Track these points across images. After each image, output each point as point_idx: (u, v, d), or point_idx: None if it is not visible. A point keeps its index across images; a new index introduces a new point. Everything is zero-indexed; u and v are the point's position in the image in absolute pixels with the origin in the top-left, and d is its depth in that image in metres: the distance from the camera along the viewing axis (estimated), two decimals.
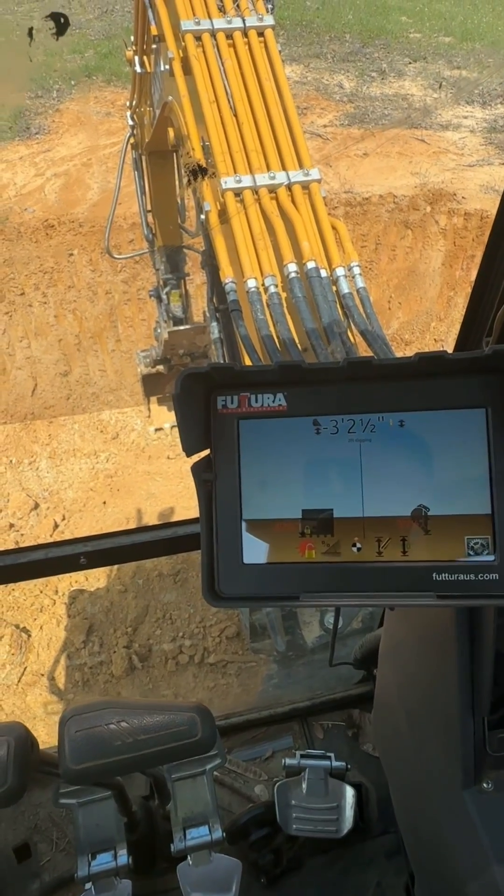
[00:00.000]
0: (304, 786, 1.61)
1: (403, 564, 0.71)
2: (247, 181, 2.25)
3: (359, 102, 9.09)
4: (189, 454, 0.73)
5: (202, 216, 2.34)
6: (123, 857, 1.40)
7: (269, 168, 2.30)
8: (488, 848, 0.90)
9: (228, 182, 2.24)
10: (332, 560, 0.73)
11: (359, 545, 0.72)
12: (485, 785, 0.93)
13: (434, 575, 0.70)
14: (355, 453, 0.73)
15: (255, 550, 0.74)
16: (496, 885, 0.88)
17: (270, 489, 0.74)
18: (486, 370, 0.70)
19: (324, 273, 2.16)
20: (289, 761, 1.62)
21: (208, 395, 0.75)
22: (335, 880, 1.75)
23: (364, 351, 2.06)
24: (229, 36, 2.41)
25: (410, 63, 10.08)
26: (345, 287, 2.18)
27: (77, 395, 7.20)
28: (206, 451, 0.75)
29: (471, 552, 0.71)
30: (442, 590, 0.70)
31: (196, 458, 0.75)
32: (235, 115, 2.34)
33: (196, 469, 0.74)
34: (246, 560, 0.74)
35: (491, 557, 0.70)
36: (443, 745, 0.97)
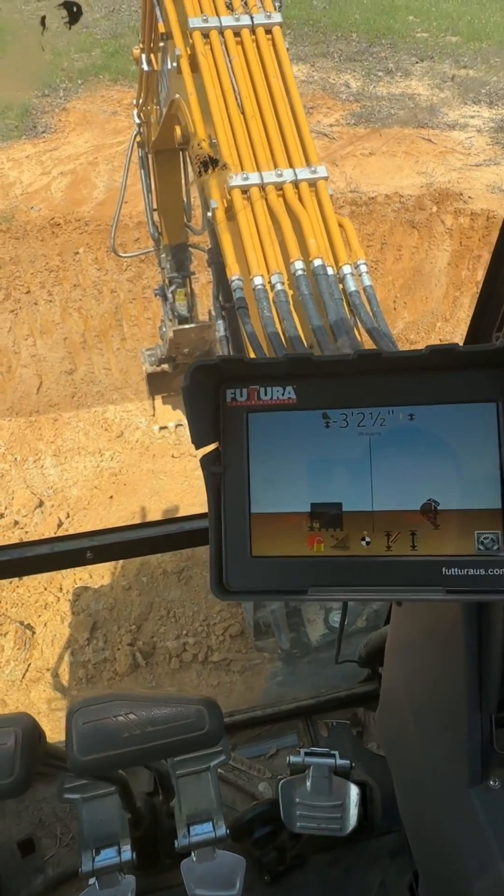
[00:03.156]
0: (308, 784, 1.60)
1: (413, 559, 0.71)
2: (254, 178, 2.24)
3: (365, 102, 9.08)
4: (198, 447, 0.73)
5: (209, 213, 2.34)
6: (127, 852, 1.40)
7: (276, 165, 2.29)
8: (495, 846, 0.89)
9: (236, 179, 2.23)
10: (341, 554, 0.72)
11: (368, 539, 0.72)
12: (492, 783, 0.92)
13: (444, 569, 0.70)
14: (365, 447, 0.73)
15: (264, 544, 0.74)
16: (502, 884, 0.88)
17: (279, 482, 0.74)
18: (498, 364, 0.69)
19: (330, 271, 2.15)
20: (293, 759, 1.62)
21: (217, 388, 0.75)
22: (339, 878, 1.75)
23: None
24: (237, 33, 2.41)
25: (417, 62, 10.06)
26: (351, 285, 2.18)
27: (82, 394, 7.21)
28: (216, 444, 0.75)
29: (481, 547, 0.70)
30: (451, 584, 0.69)
31: (205, 450, 0.74)
32: (243, 113, 2.34)
33: (205, 462, 0.74)
34: (254, 553, 0.74)
35: (501, 552, 0.70)
36: (449, 743, 0.97)
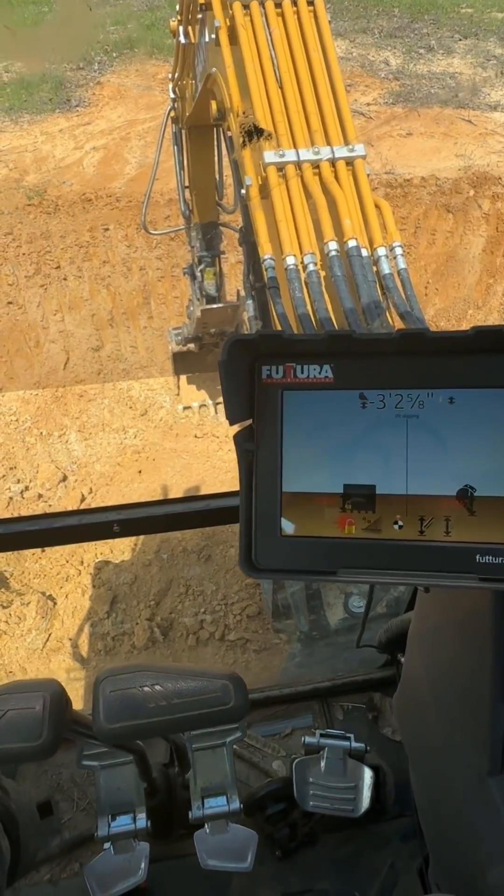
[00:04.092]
0: (322, 764, 1.62)
1: (446, 544, 0.70)
2: (290, 155, 2.20)
3: (405, 80, 8.84)
4: (232, 423, 0.73)
5: (242, 191, 2.31)
6: (142, 820, 1.43)
7: (313, 142, 2.25)
8: None
9: (271, 156, 2.19)
10: (373, 537, 0.71)
11: (400, 523, 0.71)
12: None
13: (477, 557, 0.69)
14: (401, 429, 0.71)
15: (294, 523, 0.73)
16: None
17: (312, 462, 0.73)
18: None
19: (365, 252, 2.11)
20: (308, 739, 1.64)
21: (253, 364, 0.74)
22: (349, 858, 1.77)
23: None
24: (278, 5, 2.35)
25: (461, 39, 9.74)
26: (385, 268, 2.14)
27: (108, 371, 7.25)
28: (249, 421, 0.74)
29: None
30: (485, 572, 0.68)
31: (239, 427, 0.74)
32: (281, 88, 2.29)
33: (238, 439, 0.73)
34: (284, 532, 0.73)
35: None
36: (471, 731, 0.96)
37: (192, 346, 5.86)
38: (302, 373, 0.73)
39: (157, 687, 0.94)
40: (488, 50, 9.58)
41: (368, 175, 2.27)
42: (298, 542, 0.73)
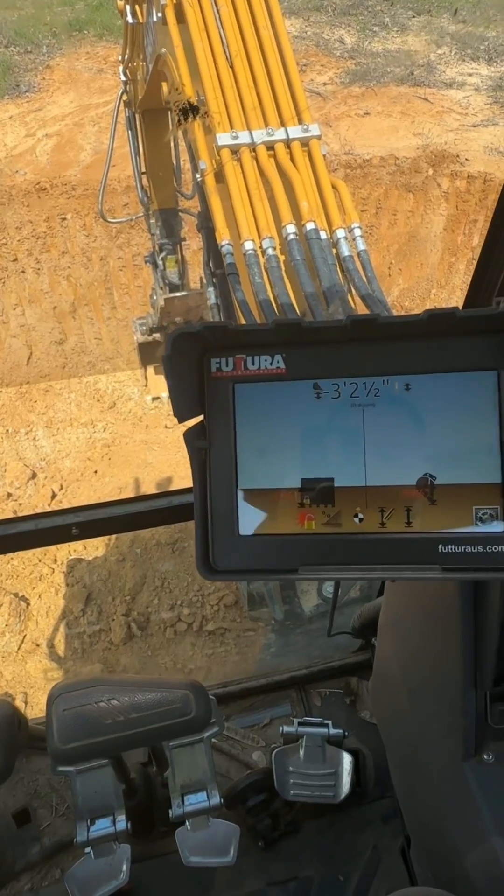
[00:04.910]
0: (301, 752, 1.62)
1: (408, 536, 0.68)
2: (244, 137, 2.15)
3: (360, 59, 8.77)
4: (181, 420, 0.69)
5: (198, 176, 2.25)
6: (122, 822, 1.41)
7: (266, 124, 2.20)
8: (488, 819, 0.89)
9: (224, 138, 2.14)
10: (333, 531, 0.69)
11: (361, 516, 0.69)
12: (485, 757, 0.92)
13: (440, 547, 0.67)
14: (358, 419, 0.69)
15: (252, 521, 0.71)
16: (496, 856, 0.87)
17: (268, 457, 0.71)
18: (498, 330, 0.65)
19: (323, 235, 2.07)
20: (286, 729, 1.63)
21: (201, 358, 0.70)
22: (332, 844, 1.78)
23: None
24: None
25: (414, 16, 9.70)
26: (345, 250, 2.11)
27: (73, 364, 7.11)
28: (200, 417, 0.71)
29: (478, 522, 0.67)
30: (448, 562, 0.67)
31: (189, 424, 0.70)
32: (232, 67, 2.23)
33: (189, 436, 0.70)
34: (242, 531, 0.71)
35: (500, 528, 0.67)
36: (444, 717, 0.96)
37: (157, 335, 5.77)
38: (253, 364, 0.70)
39: (114, 701, 0.90)
40: (442, 26, 9.57)
41: (325, 155, 2.23)
42: (257, 540, 0.71)
